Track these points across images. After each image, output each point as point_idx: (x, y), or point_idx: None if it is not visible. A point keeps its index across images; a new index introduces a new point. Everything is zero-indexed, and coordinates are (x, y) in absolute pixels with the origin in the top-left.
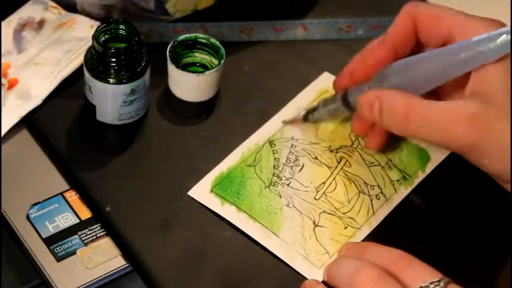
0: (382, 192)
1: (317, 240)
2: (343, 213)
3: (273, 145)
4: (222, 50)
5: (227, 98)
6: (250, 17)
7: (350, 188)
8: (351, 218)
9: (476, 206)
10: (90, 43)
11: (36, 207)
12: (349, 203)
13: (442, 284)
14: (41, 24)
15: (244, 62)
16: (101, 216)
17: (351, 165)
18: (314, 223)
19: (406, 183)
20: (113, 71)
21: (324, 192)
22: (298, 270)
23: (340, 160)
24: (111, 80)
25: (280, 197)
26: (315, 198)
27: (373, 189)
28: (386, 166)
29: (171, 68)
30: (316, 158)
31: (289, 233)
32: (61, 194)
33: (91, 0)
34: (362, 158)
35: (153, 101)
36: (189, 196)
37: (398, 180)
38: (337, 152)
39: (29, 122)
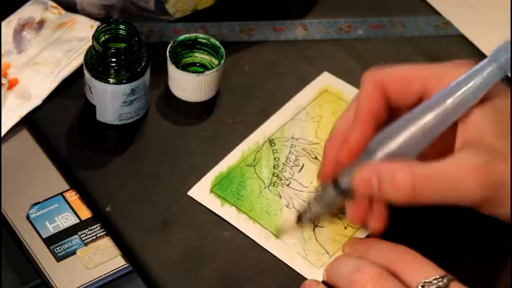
0: None
1: (317, 240)
2: (343, 214)
3: (272, 144)
4: (222, 50)
5: (227, 98)
6: (250, 17)
7: None
8: None
9: None
10: (90, 43)
11: (36, 207)
12: None
13: (445, 281)
14: (41, 24)
15: (244, 62)
16: (101, 216)
17: None
18: (314, 224)
19: None
20: (113, 71)
21: None
22: (298, 270)
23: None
24: (111, 80)
25: (280, 197)
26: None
27: None
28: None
29: (171, 68)
30: (316, 158)
31: (289, 233)
32: (61, 194)
33: (91, 0)
34: None
35: (153, 101)
36: (189, 196)
37: None
38: None
39: (29, 122)
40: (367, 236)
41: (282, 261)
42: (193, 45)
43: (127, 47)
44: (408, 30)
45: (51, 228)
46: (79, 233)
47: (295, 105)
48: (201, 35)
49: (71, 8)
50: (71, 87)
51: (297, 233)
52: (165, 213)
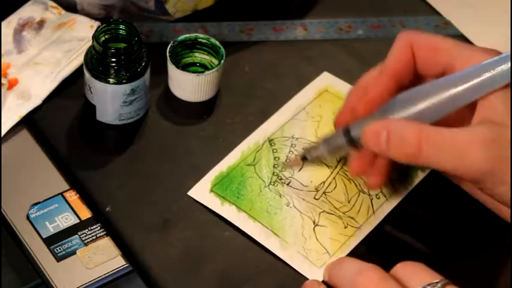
0: (382, 192)
1: (317, 239)
2: (343, 213)
3: (272, 144)
4: (222, 50)
5: (227, 98)
6: (250, 17)
7: (350, 187)
8: (351, 218)
9: (476, 205)
10: (90, 43)
11: (36, 207)
12: (349, 202)
13: (439, 285)
14: (41, 24)
15: (244, 62)
16: (101, 216)
17: None
18: (314, 223)
19: (407, 182)
20: (113, 71)
21: (324, 192)
22: (298, 269)
23: (340, 159)
24: (111, 80)
25: (280, 196)
26: (315, 198)
27: None
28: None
29: (171, 68)
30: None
31: (289, 232)
32: (61, 194)
33: (91, 0)
34: None
35: (153, 101)
36: (189, 196)
37: (398, 180)
38: None
39: (29, 122)
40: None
41: (282, 261)
42: (193, 45)
43: (127, 47)
44: None
45: (51, 228)
46: (79, 233)
47: (295, 105)
48: (201, 35)
49: (71, 8)
50: (71, 87)
51: (298, 168)
52: (165, 213)
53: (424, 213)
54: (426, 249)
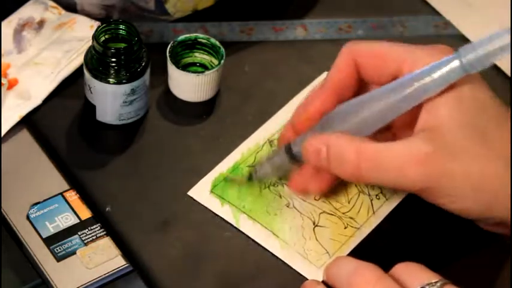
0: (382, 192)
1: (317, 240)
2: (343, 213)
3: (272, 145)
4: (222, 50)
5: (227, 98)
6: (250, 17)
7: (350, 188)
8: (351, 218)
9: None
10: (90, 43)
11: (36, 207)
12: (349, 203)
13: (438, 285)
14: (41, 24)
15: (244, 62)
16: (101, 216)
17: None
18: (314, 223)
19: None
20: (112, 71)
21: None
22: (298, 270)
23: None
24: (111, 80)
25: (280, 197)
26: (315, 199)
27: (373, 189)
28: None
29: (171, 68)
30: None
31: (289, 233)
32: (61, 194)
33: (91, 0)
34: None
35: (153, 101)
36: (189, 196)
37: None
38: None
39: (29, 122)
40: None
41: (282, 261)
42: (193, 45)
43: (127, 47)
44: (408, 30)
45: (51, 228)
46: (79, 233)
47: (295, 106)
48: (201, 35)
49: (71, 8)
50: (71, 87)
51: (242, 184)
52: (165, 213)
53: (424, 213)
54: (426, 249)
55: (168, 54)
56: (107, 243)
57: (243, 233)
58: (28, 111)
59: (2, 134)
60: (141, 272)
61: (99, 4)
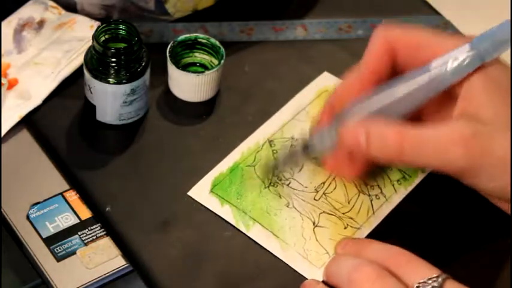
0: (382, 192)
1: (317, 240)
2: (343, 214)
3: (272, 145)
4: (222, 50)
5: (227, 98)
6: (250, 17)
7: (350, 188)
8: (351, 218)
9: (476, 205)
10: (90, 43)
11: (36, 207)
12: (348, 203)
13: (440, 280)
14: (41, 24)
15: (244, 62)
16: (101, 216)
17: None
18: (314, 223)
19: (406, 183)
20: (112, 71)
21: (323, 193)
22: (298, 270)
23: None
24: (111, 80)
25: (280, 197)
26: (315, 199)
27: (373, 189)
28: (386, 166)
29: (171, 68)
30: (315, 157)
31: (289, 233)
32: (61, 194)
33: (91, 0)
34: None
35: (153, 101)
36: (189, 196)
37: (398, 180)
38: None
39: (29, 122)
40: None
41: (282, 261)
42: (193, 45)
43: (127, 47)
44: None
45: (51, 228)
46: (79, 233)
47: (295, 105)
48: (201, 35)
49: (71, 8)
50: (71, 87)
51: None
52: (165, 213)
53: (424, 213)
54: (426, 249)
55: (168, 54)
56: (107, 243)
57: (243, 233)
58: (28, 111)
59: (2, 134)
60: (141, 272)
61: (99, 4)
